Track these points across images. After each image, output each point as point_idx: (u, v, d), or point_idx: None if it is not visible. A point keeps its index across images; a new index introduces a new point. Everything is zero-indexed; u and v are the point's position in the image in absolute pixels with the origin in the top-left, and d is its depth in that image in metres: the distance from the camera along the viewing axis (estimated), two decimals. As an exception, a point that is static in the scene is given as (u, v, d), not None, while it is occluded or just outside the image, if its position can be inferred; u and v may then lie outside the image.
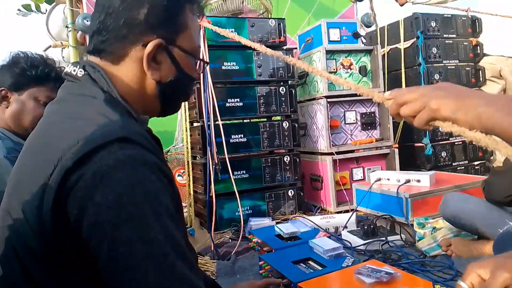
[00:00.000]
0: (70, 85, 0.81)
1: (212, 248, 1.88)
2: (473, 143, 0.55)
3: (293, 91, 2.52)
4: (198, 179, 2.45)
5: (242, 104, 2.39)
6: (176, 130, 3.99)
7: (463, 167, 2.99)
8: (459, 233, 1.73)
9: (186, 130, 2.46)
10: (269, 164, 2.46)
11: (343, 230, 2.00)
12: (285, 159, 2.50)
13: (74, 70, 0.80)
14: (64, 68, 1.46)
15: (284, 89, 2.50)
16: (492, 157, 3.12)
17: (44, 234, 0.66)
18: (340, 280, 1.31)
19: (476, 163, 3.05)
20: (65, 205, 0.64)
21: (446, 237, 1.72)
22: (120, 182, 0.64)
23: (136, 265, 0.64)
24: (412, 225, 1.87)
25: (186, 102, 2.49)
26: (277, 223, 2.05)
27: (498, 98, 0.56)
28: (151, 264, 0.64)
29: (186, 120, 2.47)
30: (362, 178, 2.67)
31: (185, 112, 2.49)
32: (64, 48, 3.40)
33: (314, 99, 2.68)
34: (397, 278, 1.25)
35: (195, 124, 2.50)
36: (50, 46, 3.43)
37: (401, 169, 2.66)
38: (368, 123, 2.75)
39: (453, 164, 2.97)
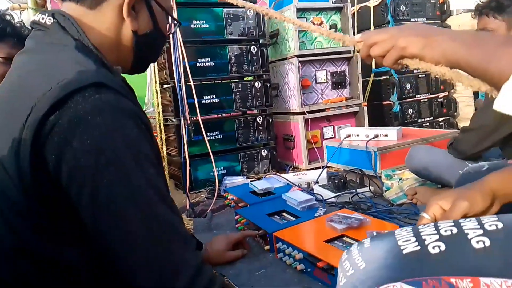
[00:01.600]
0: (39, 34, 0.78)
1: (188, 207, 1.90)
2: (437, 76, 0.58)
3: (264, 51, 2.50)
4: (171, 141, 2.44)
5: (213, 64, 2.36)
6: (146, 94, 3.91)
7: (428, 123, 3.12)
8: (424, 182, 1.82)
9: (157, 92, 2.42)
10: (242, 125, 2.47)
11: (314, 185, 2.06)
12: (258, 119, 2.51)
13: (43, 18, 0.77)
14: (23, 24, 1.37)
15: (256, 49, 2.47)
16: (455, 113, 3.25)
17: (23, 184, 0.65)
18: (313, 228, 1.37)
19: (440, 119, 3.18)
20: (42, 151, 0.64)
21: (412, 186, 1.81)
22: (98, 128, 0.64)
23: (119, 209, 0.65)
24: (380, 177, 1.96)
25: (156, 64, 2.43)
26: (251, 181, 2.08)
27: (463, 33, 0.59)
28: (133, 207, 0.65)
29: (156, 82, 2.42)
30: (333, 136, 2.73)
31: (154, 74, 2.43)
32: (23, 11, 3.21)
33: (285, 58, 2.67)
34: (366, 223, 1.33)
35: (165, 86, 2.46)
36: (7, 9, 3.23)
37: (370, 126, 2.74)
38: (338, 82, 2.79)
39: (419, 120, 3.08)
